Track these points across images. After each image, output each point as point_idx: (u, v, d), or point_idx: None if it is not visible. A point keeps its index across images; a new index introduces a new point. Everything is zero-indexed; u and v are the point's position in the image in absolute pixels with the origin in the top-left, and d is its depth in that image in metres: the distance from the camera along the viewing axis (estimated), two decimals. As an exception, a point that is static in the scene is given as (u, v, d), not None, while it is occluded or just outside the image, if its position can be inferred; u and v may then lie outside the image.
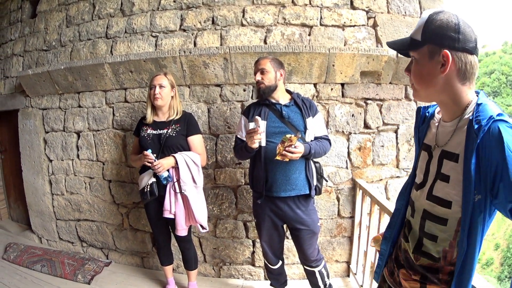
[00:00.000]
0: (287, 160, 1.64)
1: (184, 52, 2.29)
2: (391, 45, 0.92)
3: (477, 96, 0.83)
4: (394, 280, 1.06)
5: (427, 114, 1.01)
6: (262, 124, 1.71)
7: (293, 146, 1.60)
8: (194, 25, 2.47)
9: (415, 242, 0.96)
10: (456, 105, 0.84)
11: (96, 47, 2.70)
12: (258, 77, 1.80)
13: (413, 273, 0.97)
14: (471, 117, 0.79)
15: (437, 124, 0.94)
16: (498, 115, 0.76)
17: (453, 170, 0.84)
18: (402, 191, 1.08)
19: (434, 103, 0.97)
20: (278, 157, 1.63)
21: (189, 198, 1.96)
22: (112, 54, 2.61)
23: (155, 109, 2.08)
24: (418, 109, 1.05)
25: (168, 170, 1.95)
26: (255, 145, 1.66)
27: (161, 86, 2.00)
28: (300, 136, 1.65)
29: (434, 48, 0.81)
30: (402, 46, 0.89)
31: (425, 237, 0.93)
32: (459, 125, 0.84)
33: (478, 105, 0.80)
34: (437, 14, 0.81)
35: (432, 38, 0.81)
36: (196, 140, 2.08)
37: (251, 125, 1.83)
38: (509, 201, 0.72)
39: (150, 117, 2.05)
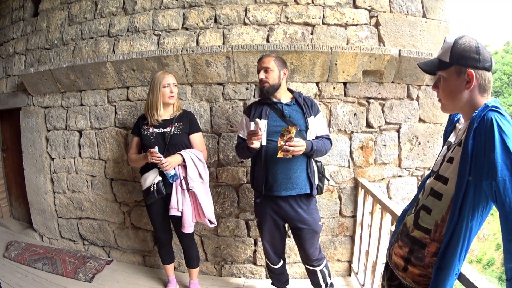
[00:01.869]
0: (290, 156, 1.63)
1: (187, 50, 2.29)
2: (423, 66, 1.06)
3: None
4: (389, 252, 1.20)
5: (455, 118, 1.15)
6: (263, 124, 1.70)
7: (293, 139, 1.58)
8: (197, 24, 2.47)
9: (414, 214, 1.10)
10: (474, 110, 0.96)
11: (98, 46, 2.70)
12: (262, 75, 1.79)
13: (404, 245, 1.10)
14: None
15: (460, 125, 1.10)
16: (493, 106, 0.88)
17: (456, 153, 0.98)
18: (421, 184, 1.20)
19: None
20: (280, 154, 1.61)
21: (197, 194, 1.96)
22: (114, 53, 2.62)
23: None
24: (450, 115, 1.19)
25: (174, 168, 1.95)
26: (255, 145, 1.65)
27: (174, 85, 2.03)
28: (298, 128, 1.64)
29: (460, 68, 0.96)
30: (432, 67, 1.03)
31: (422, 209, 1.06)
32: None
33: (485, 104, 0.93)
34: (461, 38, 0.98)
35: (458, 60, 0.96)
36: (197, 138, 2.10)
37: (252, 125, 1.82)
38: (486, 178, 0.84)
39: (161, 117, 2.03)
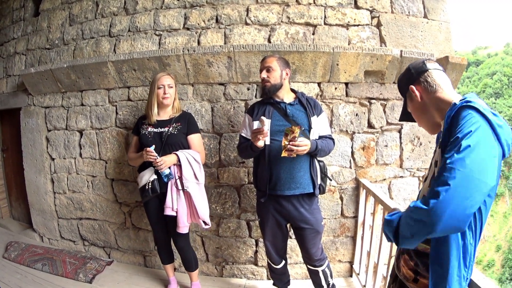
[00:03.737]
0: (294, 156, 1.63)
1: (188, 50, 2.29)
2: (402, 119, 1.20)
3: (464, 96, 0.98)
4: (397, 264, 1.16)
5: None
6: (267, 123, 1.71)
7: (296, 139, 1.58)
8: (198, 24, 2.47)
9: None
10: (442, 109, 0.99)
11: (99, 46, 2.69)
12: (264, 75, 1.79)
13: (410, 258, 1.06)
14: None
15: None
16: (465, 101, 0.88)
17: (438, 154, 0.99)
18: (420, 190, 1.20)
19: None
20: (284, 154, 1.61)
21: (192, 194, 1.96)
22: (115, 53, 2.61)
23: (158, 108, 2.07)
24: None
25: (169, 168, 1.96)
26: (260, 144, 1.65)
27: (169, 86, 2.03)
28: (302, 128, 1.65)
29: (408, 93, 1.09)
30: (404, 112, 1.17)
31: None
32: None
33: (453, 103, 0.95)
34: (400, 74, 1.14)
35: (404, 88, 1.11)
36: (195, 139, 2.10)
37: (255, 124, 1.82)
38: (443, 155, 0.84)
39: (155, 117, 2.05)
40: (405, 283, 1.09)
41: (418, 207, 0.82)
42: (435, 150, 1.08)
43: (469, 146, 0.78)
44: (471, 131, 0.80)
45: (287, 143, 1.59)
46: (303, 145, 1.62)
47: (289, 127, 1.59)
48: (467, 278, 0.91)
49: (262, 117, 1.65)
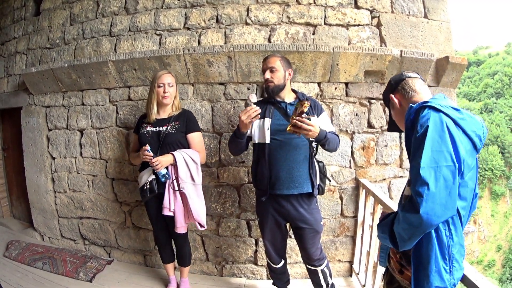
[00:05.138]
0: (299, 135, 1.59)
1: (188, 50, 2.29)
2: (390, 129, 1.29)
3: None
4: (387, 256, 1.24)
5: None
6: (254, 99, 1.72)
7: (304, 115, 1.54)
8: (198, 24, 2.47)
9: None
10: None
11: (100, 45, 2.70)
12: (268, 75, 1.78)
13: (396, 251, 1.11)
14: None
15: None
16: (422, 103, 0.98)
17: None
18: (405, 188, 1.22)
19: None
20: (289, 128, 1.56)
21: (188, 195, 1.96)
22: (116, 52, 2.62)
23: (157, 106, 2.07)
24: None
25: (166, 168, 1.96)
26: (247, 126, 1.67)
27: (169, 85, 2.01)
28: (310, 104, 1.62)
29: (389, 102, 1.18)
30: (391, 122, 1.25)
31: None
32: None
33: (409, 105, 1.05)
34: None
35: (386, 99, 1.21)
36: (195, 138, 2.08)
37: (255, 123, 1.83)
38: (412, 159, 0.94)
39: (154, 115, 2.05)
40: (393, 275, 1.15)
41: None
42: None
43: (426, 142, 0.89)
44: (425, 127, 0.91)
45: (295, 117, 1.54)
46: (310, 124, 1.55)
47: (300, 101, 1.55)
48: (450, 271, 0.92)
49: (251, 94, 1.65)
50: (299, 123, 1.53)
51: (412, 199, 0.87)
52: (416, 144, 0.91)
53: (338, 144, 1.86)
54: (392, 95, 1.15)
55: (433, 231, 0.90)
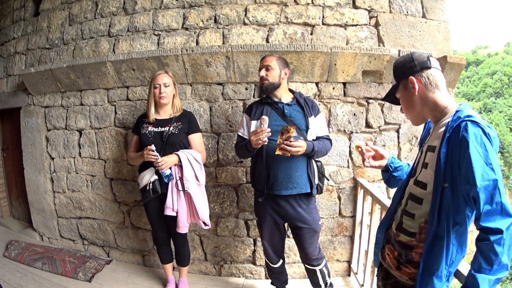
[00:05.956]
0: (288, 155, 1.64)
1: (187, 50, 2.29)
2: (386, 99, 1.18)
3: (459, 105, 1.02)
4: (381, 254, 1.23)
5: (429, 123, 1.20)
6: (266, 122, 1.71)
7: (292, 138, 1.59)
8: (197, 24, 2.48)
9: (398, 220, 1.13)
10: (435, 110, 1.05)
11: (98, 46, 2.70)
12: (263, 73, 1.80)
13: (394, 249, 1.13)
14: (449, 119, 0.97)
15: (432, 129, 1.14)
16: (468, 116, 0.92)
17: (431, 158, 1.03)
18: (399, 186, 1.23)
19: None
20: (278, 151, 1.63)
21: (192, 195, 1.96)
22: (114, 53, 2.62)
23: (156, 107, 2.08)
24: (425, 125, 1.22)
25: (170, 168, 1.96)
26: (263, 142, 1.66)
27: (165, 85, 2.01)
28: (296, 128, 1.67)
29: (405, 81, 1.07)
30: (391, 94, 1.14)
31: (405, 215, 1.10)
32: (439, 125, 1.04)
33: (457, 111, 0.98)
34: (397, 60, 1.12)
35: (400, 76, 1.09)
36: (196, 138, 2.09)
37: (253, 124, 1.84)
38: (467, 184, 0.88)
39: (153, 116, 2.05)
40: (389, 271, 1.16)
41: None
42: (422, 151, 1.11)
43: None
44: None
45: (282, 141, 1.60)
46: (298, 145, 1.62)
47: (285, 126, 1.61)
48: (448, 277, 0.97)
49: (264, 116, 1.66)
50: (288, 148, 1.60)
51: (502, 216, 0.86)
52: (474, 157, 0.88)
53: (329, 150, 1.88)
54: (413, 79, 1.04)
55: (445, 239, 0.94)
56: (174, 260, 2.31)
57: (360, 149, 1.34)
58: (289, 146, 1.60)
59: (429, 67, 1.03)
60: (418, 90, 1.04)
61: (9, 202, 3.79)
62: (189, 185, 1.97)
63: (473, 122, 0.90)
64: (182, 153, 1.98)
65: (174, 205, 1.98)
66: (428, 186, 1.01)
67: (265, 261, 2.08)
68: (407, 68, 1.06)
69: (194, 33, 2.49)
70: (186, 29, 2.50)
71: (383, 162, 1.31)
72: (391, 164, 1.30)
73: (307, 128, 1.80)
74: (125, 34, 2.63)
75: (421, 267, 0.98)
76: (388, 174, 1.31)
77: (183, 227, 2.03)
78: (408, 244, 1.07)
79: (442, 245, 0.94)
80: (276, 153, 1.64)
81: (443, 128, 0.98)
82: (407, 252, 1.06)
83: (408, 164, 1.30)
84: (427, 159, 1.05)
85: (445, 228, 0.94)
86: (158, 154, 1.89)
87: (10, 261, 2.72)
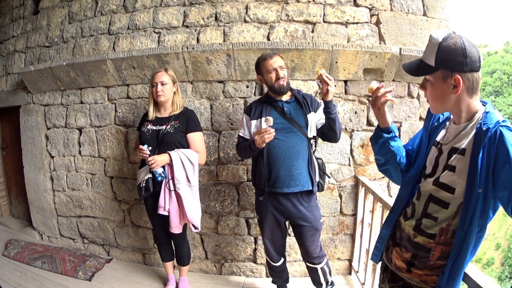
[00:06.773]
0: (325, 91, 1.63)
1: (187, 48, 2.29)
2: (407, 69, 1.03)
3: (484, 105, 0.98)
4: (387, 256, 1.21)
5: (442, 115, 1.12)
6: (270, 121, 1.71)
7: (324, 76, 1.60)
8: (197, 22, 2.47)
9: (415, 221, 1.09)
10: (466, 112, 0.98)
11: (98, 43, 2.69)
12: (285, 72, 1.80)
13: (406, 250, 1.10)
14: (480, 122, 0.93)
15: (448, 125, 1.08)
16: (503, 121, 0.90)
17: (459, 162, 0.96)
18: (407, 181, 1.18)
19: None
20: (317, 76, 1.63)
21: (182, 196, 1.95)
22: (114, 50, 2.61)
23: (157, 105, 2.07)
24: (428, 111, 1.16)
25: (163, 167, 1.95)
26: (268, 139, 1.65)
27: (162, 83, 1.99)
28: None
29: (447, 72, 0.92)
30: (417, 72, 1.00)
31: (426, 217, 1.05)
32: (468, 127, 0.97)
33: (486, 113, 0.94)
34: (446, 40, 0.91)
35: (444, 65, 0.92)
36: (195, 138, 2.06)
37: (253, 123, 1.83)
38: (505, 189, 0.85)
39: (152, 114, 2.05)
40: (396, 273, 1.14)
41: None
42: (441, 150, 1.05)
43: None
44: None
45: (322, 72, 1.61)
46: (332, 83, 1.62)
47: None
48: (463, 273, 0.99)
49: (268, 117, 1.66)
50: (330, 81, 1.60)
51: None
52: None
53: (341, 129, 1.83)
54: (459, 78, 0.90)
55: (469, 243, 0.94)
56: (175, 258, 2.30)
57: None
58: (329, 79, 1.60)
59: (477, 71, 0.92)
60: (459, 91, 0.92)
61: (9, 201, 3.78)
62: (179, 185, 1.95)
63: (507, 127, 0.88)
64: (175, 152, 1.95)
65: (166, 204, 1.97)
66: (456, 191, 0.97)
67: (266, 259, 2.07)
68: (456, 62, 0.90)
69: (195, 31, 2.48)
70: (187, 26, 2.49)
71: (388, 118, 1.19)
72: (393, 129, 1.20)
73: (306, 124, 1.79)
74: (125, 32, 2.62)
75: (447, 274, 0.97)
76: (383, 140, 1.19)
77: (175, 227, 2.02)
78: (426, 245, 1.04)
79: (468, 249, 0.94)
80: (316, 70, 1.67)
81: (473, 132, 0.94)
82: (424, 253, 1.04)
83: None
84: (454, 162, 0.98)
85: (473, 233, 0.93)
86: (149, 152, 1.88)
87: (9, 260, 2.71)
